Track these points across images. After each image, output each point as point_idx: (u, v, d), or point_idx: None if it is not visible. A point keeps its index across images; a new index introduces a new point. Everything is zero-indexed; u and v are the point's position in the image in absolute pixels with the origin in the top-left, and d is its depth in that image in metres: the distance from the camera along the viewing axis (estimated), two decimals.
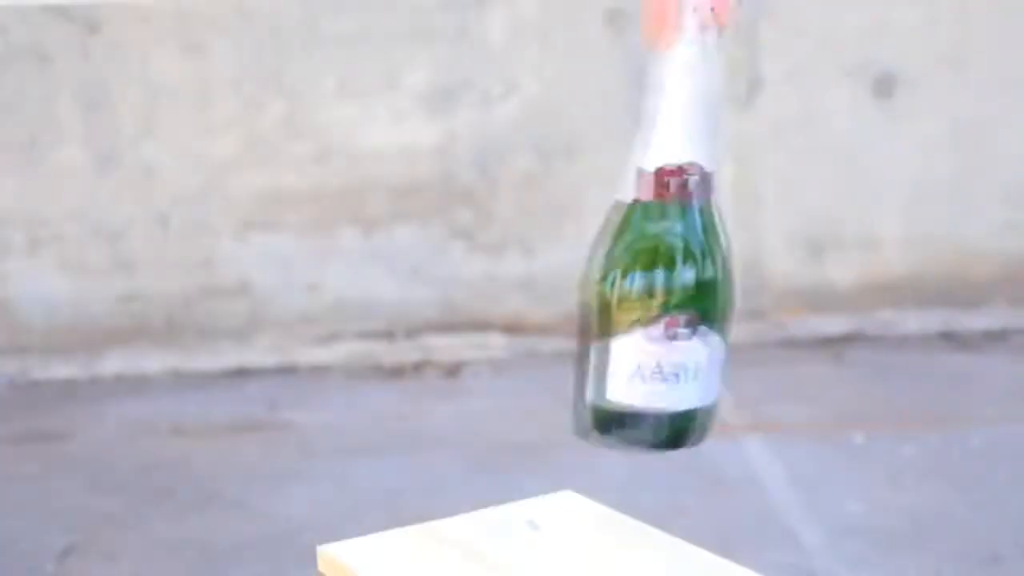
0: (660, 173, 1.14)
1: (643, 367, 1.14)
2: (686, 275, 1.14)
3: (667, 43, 1.15)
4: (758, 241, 3.94)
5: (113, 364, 3.86)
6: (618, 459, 3.19)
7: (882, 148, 3.89)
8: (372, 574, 1.17)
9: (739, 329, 3.95)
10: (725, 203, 3.84)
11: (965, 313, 3.90)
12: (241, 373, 3.82)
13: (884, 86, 3.87)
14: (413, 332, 3.85)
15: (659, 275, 1.14)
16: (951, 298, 3.92)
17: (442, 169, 3.76)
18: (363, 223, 3.88)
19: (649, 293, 1.13)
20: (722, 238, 1.16)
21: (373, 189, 3.86)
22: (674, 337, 1.13)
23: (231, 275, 3.91)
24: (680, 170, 1.14)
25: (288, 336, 3.91)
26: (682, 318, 1.13)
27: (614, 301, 1.15)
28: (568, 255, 3.84)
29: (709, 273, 1.15)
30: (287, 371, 3.82)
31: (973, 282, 3.93)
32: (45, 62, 3.81)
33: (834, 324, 3.88)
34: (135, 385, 3.77)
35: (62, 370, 3.84)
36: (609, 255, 1.15)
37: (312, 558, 1.24)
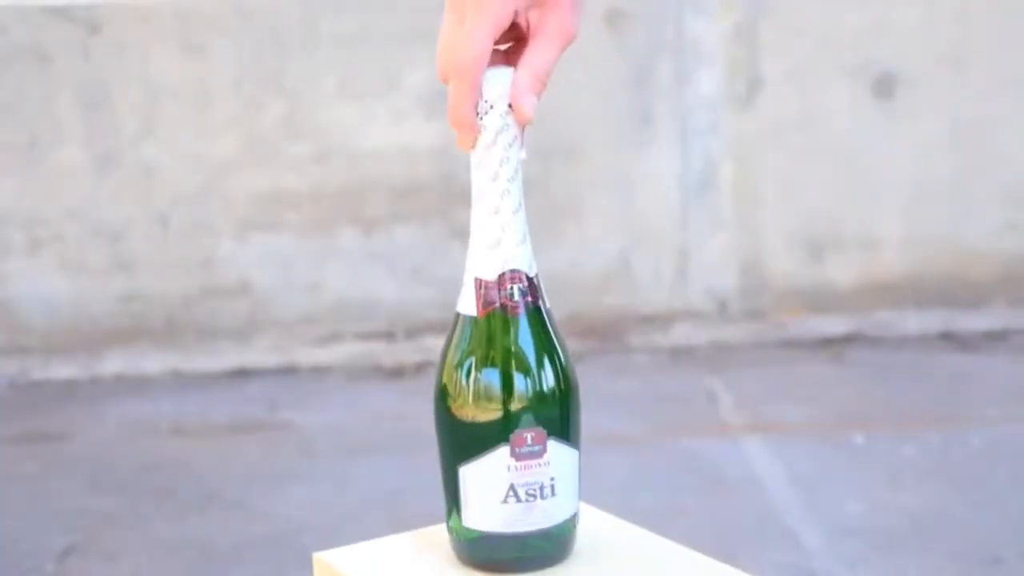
0: (482, 285, 1.11)
1: (497, 491, 1.10)
2: (521, 392, 1.10)
3: (468, 145, 1.11)
4: (758, 241, 3.94)
5: (113, 364, 3.86)
6: (618, 459, 3.20)
7: (882, 148, 3.89)
8: None
9: (739, 329, 3.98)
10: (726, 203, 3.86)
11: (965, 313, 3.90)
12: (241, 373, 3.82)
13: (884, 86, 3.87)
14: (413, 332, 3.85)
15: (493, 394, 1.10)
16: (951, 298, 3.92)
17: (442, 169, 3.76)
18: (363, 223, 3.88)
19: (487, 413, 1.10)
20: (557, 343, 1.13)
21: (373, 189, 3.86)
22: (523, 456, 1.09)
23: (231, 275, 3.91)
24: (502, 280, 1.11)
25: (288, 336, 3.90)
26: (528, 435, 1.10)
27: (457, 421, 1.11)
28: (566, 255, 3.84)
29: (548, 384, 1.11)
30: (287, 371, 3.83)
31: (973, 282, 3.93)
32: (45, 62, 3.81)
33: (834, 324, 3.89)
34: (135, 385, 3.77)
35: (62, 370, 3.84)
36: (448, 373, 1.12)
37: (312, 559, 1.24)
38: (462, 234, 3.95)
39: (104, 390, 3.76)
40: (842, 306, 3.92)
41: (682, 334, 3.92)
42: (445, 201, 3.80)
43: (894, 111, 3.87)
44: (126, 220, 3.88)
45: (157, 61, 3.83)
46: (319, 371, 3.81)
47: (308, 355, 3.87)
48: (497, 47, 1.12)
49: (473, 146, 1.10)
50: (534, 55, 1.10)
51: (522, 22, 1.11)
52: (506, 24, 1.10)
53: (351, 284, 3.90)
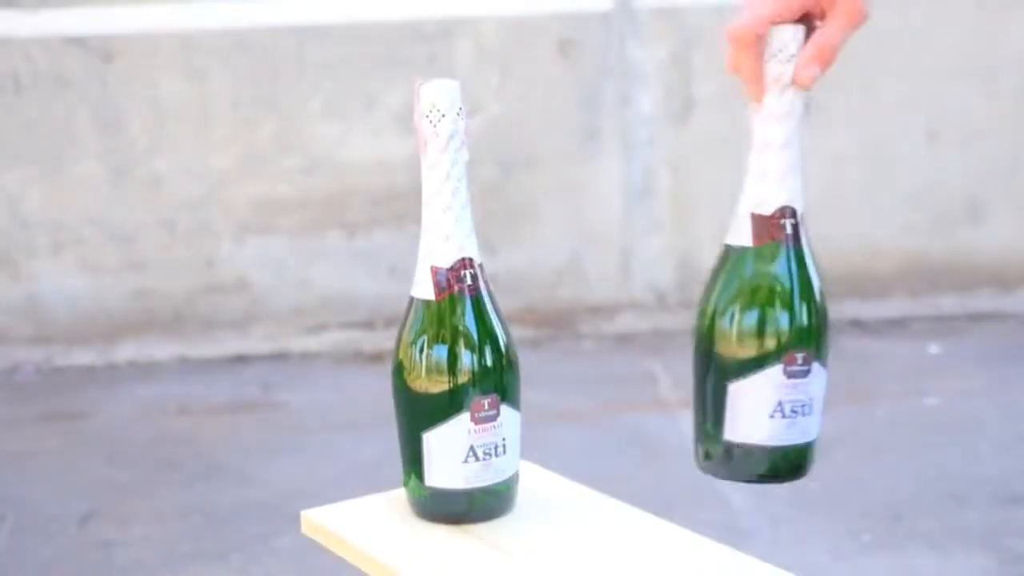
0: (438, 272, 1.11)
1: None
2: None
3: (757, 97, 1.08)
4: (691, 240, 3.96)
5: (126, 352, 3.85)
6: (569, 432, 3.19)
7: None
8: (348, 534, 1.17)
9: (675, 318, 3.93)
10: (663, 207, 3.82)
11: (871, 303, 3.92)
12: (240, 359, 3.81)
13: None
14: (390, 322, 3.84)
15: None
16: (859, 290, 3.94)
17: (414, 179, 3.71)
18: (346, 227, 3.87)
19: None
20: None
21: (355, 197, 3.85)
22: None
23: (230, 273, 3.90)
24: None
25: (281, 327, 3.90)
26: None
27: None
28: (525, 254, 3.84)
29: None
30: (280, 357, 3.82)
31: (877, 276, 3.96)
32: (66, 87, 3.80)
33: None
34: (146, 370, 3.76)
35: (82, 357, 3.83)
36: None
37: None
38: None
39: (119, 375, 3.74)
40: None
41: (626, 323, 3.92)
42: (417, 207, 3.74)
43: (809, 126, 3.87)
44: (137, 225, 3.87)
45: (164, 85, 3.82)
46: (308, 357, 3.80)
47: (298, 343, 3.86)
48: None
49: (760, 99, 1.08)
50: (823, 33, 1.06)
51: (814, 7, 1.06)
52: (793, 12, 1.05)
53: (336, 280, 3.89)
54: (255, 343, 3.87)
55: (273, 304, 3.91)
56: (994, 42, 3.88)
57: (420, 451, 1.12)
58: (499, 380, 1.11)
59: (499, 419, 1.11)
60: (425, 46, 3.81)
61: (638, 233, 3.94)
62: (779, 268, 1.07)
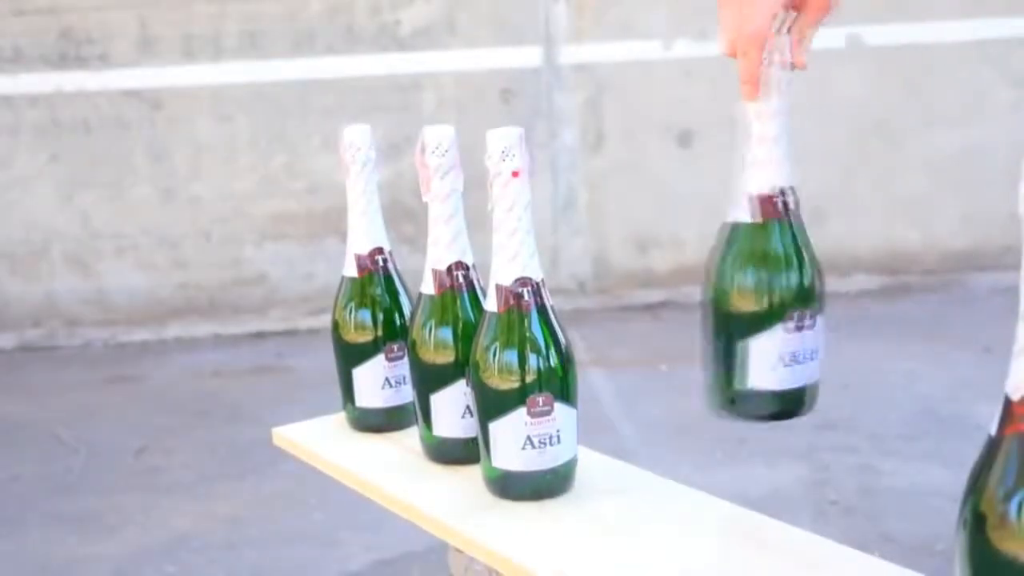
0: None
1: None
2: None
3: (751, 95, 0.94)
4: (604, 242, 4.00)
5: (173, 331, 3.88)
6: None
7: (684, 179, 3.94)
8: (306, 444, 1.20)
9: (592, 300, 3.88)
10: (582, 217, 3.76)
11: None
12: (259, 335, 3.85)
13: (685, 138, 3.93)
14: None
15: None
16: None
17: (392, 197, 3.75)
18: (341, 234, 3.86)
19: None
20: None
21: (347, 211, 3.88)
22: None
23: (253, 270, 3.94)
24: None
25: (291, 310, 3.93)
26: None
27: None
28: (479, 253, 3.90)
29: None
30: (291, 333, 3.85)
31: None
32: (125, 128, 3.84)
33: (654, 295, 3.94)
34: (188, 344, 3.80)
35: (138, 335, 3.87)
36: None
37: None
38: (407, 241, 3.93)
39: (167, 348, 3.78)
40: (660, 284, 3.96)
41: (554, 304, 3.93)
42: (396, 219, 3.81)
43: (692, 155, 3.93)
44: (181, 234, 3.90)
45: (200, 127, 3.85)
46: (312, 332, 3.82)
47: (305, 322, 3.88)
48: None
49: (754, 98, 0.94)
50: (801, 23, 0.95)
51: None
52: (779, 6, 0.95)
53: (333, 274, 3.93)
54: (271, 323, 3.89)
55: (285, 293, 3.92)
56: (828, 89, 3.94)
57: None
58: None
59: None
60: (400, 95, 3.83)
61: (563, 236, 3.95)
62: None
